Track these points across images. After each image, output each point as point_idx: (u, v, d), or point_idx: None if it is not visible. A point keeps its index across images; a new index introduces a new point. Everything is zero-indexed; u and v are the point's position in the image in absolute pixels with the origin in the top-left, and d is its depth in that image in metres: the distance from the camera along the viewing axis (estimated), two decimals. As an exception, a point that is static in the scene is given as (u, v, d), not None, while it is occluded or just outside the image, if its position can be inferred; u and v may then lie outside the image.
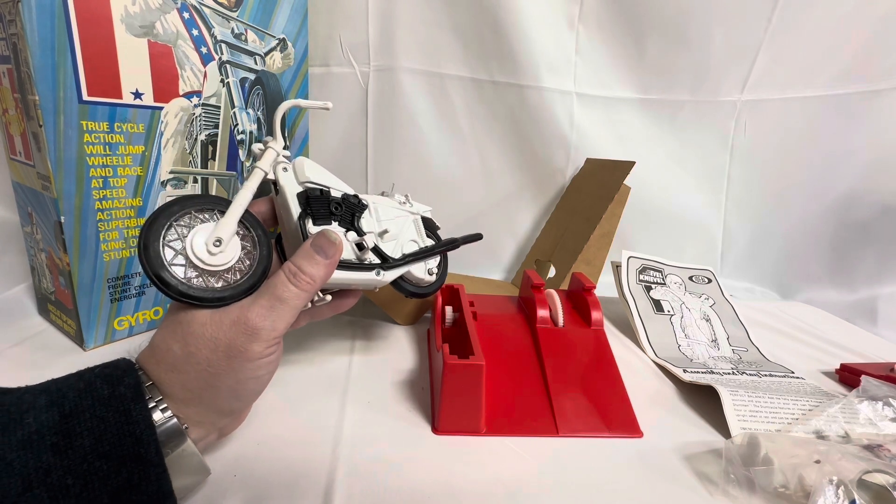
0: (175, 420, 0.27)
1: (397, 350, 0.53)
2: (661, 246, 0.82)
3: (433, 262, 0.46)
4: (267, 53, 0.58)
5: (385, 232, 0.40)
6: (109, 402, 0.26)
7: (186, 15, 0.49)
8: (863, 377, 0.44)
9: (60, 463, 0.24)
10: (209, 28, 0.51)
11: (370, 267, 0.39)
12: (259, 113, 0.58)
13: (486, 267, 0.82)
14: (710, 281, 0.67)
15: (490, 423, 0.40)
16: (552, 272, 0.71)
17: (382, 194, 0.45)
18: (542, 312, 0.50)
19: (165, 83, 0.48)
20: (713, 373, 0.50)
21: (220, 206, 0.32)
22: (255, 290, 0.31)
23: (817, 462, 0.32)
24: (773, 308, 0.74)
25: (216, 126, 0.54)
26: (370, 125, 0.75)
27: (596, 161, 0.76)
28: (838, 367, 0.54)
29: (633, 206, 0.67)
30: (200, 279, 0.30)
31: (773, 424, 0.41)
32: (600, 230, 0.65)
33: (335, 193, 0.37)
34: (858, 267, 0.80)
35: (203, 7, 0.50)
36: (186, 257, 0.30)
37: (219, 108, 0.54)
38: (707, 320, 0.61)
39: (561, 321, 0.50)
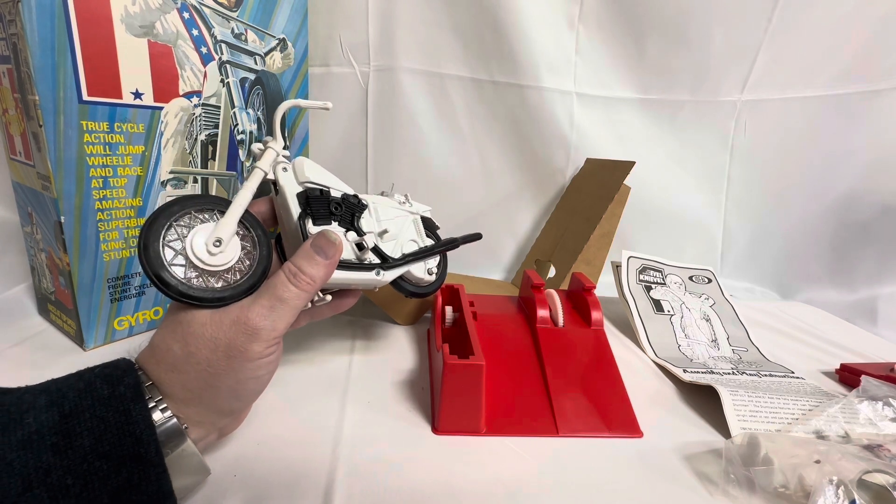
0: (175, 420, 0.27)
1: (397, 350, 0.53)
2: (661, 246, 0.82)
3: (433, 262, 0.46)
4: (267, 53, 0.58)
5: (385, 232, 0.40)
6: (109, 402, 0.26)
7: (186, 15, 0.49)
8: (863, 377, 0.44)
9: (60, 463, 0.24)
10: (209, 28, 0.51)
11: (370, 267, 0.39)
12: (259, 113, 0.58)
13: (486, 267, 0.82)
14: (710, 281, 0.67)
15: (490, 423, 0.40)
16: (552, 272, 0.71)
17: (382, 194, 0.45)
18: (542, 312, 0.50)
19: (165, 83, 0.48)
20: (713, 373, 0.50)
21: (219, 206, 0.32)
22: (255, 291, 0.31)
23: (817, 462, 0.32)
24: (773, 308, 0.74)
25: (216, 126, 0.54)
26: (370, 125, 0.75)
27: (596, 161, 0.76)
28: (838, 367, 0.54)
29: (633, 206, 0.67)
30: (200, 279, 0.30)
31: (773, 424, 0.41)
32: (600, 230, 0.65)
33: (335, 193, 0.37)
34: (858, 267, 0.80)
35: (203, 7, 0.50)
36: (186, 257, 0.30)
37: (219, 108, 0.54)
38: (707, 320, 0.61)
39: (561, 321, 0.50)
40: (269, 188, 0.37)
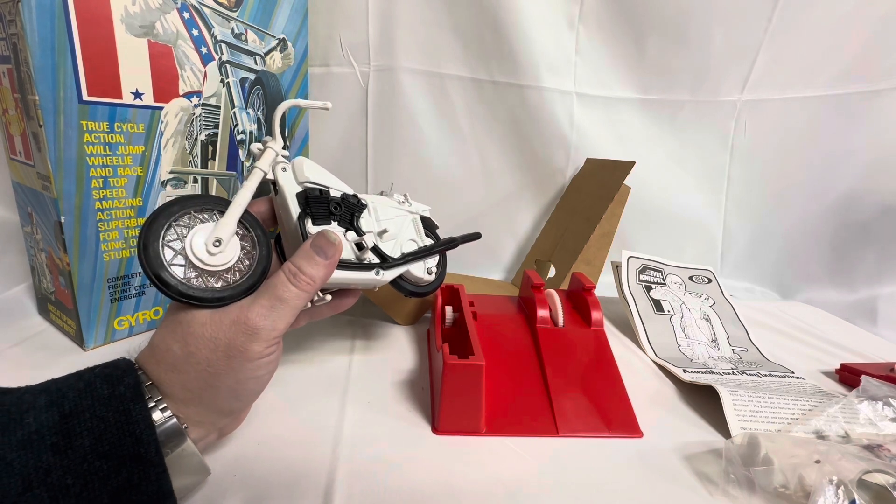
0: (175, 420, 0.27)
1: (397, 350, 0.53)
2: (661, 246, 0.82)
3: (432, 262, 0.46)
4: (267, 53, 0.58)
5: (384, 231, 0.40)
6: (109, 401, 0.26)
7: (186, 15, 0.49)
8: (863, 377, 0.44)
9: (60, 463, 0.24)
10: (209, 28, 0.51)
11: (369, 266, 0.39)
12: (259, 113, 0.58)
13: (486, 267, 0.82)
14: (710, 281, 0.67)
15: (490, 423, 0.40)
16: (552, 272, 0.71)
17: (381, 194, 0.45)
18: (542, 312, 0.50)
19: (165, 83, 0.48)
20: (713, 373, 0.50)
21: (219, 206, 0.32)
22: (255, 290, 0.31)
23: (817, 462, 0.32)
24: (773, 308, 0.74)
25: (216, 126, 0.54)
26: (370, 125, 0.75)
27: (596, 161, 0.76)
28: (838, 367, 0.54)
29: (633, 206, 0.67)
30: (200, 279, 0.30)
31: (773, 424, 0.41)
32: (600, 230, 0.65)
33: (334, 193, 0.37)
34: (858, 267, 0.80)
35: (203, 7, 0.50)
36: (186, 257, 0.30)
37: (219, 108, 0.54)
38: (707, 320, 0.61)
39: (561, 321, 0.50)
40: (268, 188, 0.37)
